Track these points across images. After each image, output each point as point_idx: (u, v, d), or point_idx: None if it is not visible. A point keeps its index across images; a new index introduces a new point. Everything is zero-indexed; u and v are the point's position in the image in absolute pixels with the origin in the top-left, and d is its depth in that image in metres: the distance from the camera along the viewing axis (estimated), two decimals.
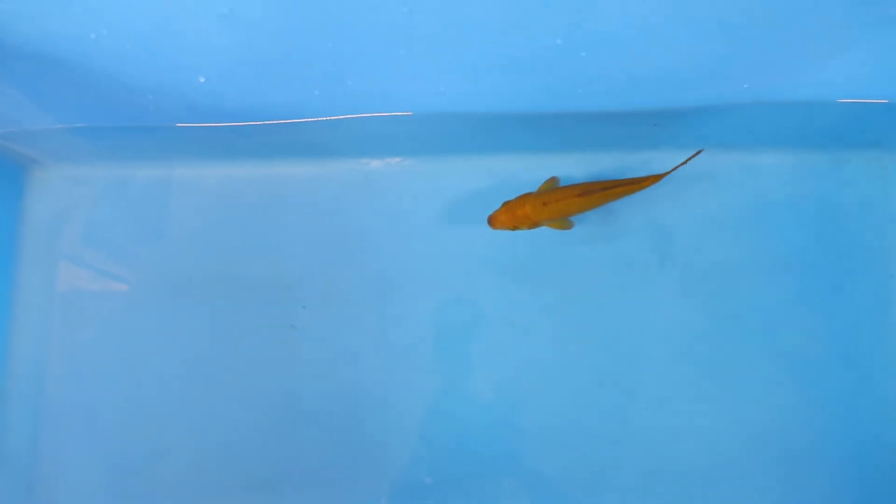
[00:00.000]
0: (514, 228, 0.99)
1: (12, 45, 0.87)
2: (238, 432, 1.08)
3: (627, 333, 1.06)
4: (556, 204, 0.97)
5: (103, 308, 1.10)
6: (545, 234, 1.04)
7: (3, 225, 1.11)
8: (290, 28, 0.86)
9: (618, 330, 1.06)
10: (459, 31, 0.86)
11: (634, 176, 1.00)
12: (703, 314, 1.06)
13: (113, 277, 1.11)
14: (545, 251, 1.08)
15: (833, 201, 1.08)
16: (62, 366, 1.10)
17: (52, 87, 0.96)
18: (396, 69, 0.92)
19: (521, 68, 0.92)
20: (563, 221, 1.01)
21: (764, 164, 1.08)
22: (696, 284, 1.06)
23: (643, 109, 0.99)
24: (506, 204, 0.99)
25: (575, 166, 1.08)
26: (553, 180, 1.04)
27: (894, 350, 1.04)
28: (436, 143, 1.09)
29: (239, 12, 0.83)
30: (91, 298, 1.11)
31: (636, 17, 0.83)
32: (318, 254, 1.10)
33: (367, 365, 1.08)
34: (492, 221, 0.99)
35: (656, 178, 0.99)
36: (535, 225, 0.99)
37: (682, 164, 0.98)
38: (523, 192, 1.00)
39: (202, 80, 0.93)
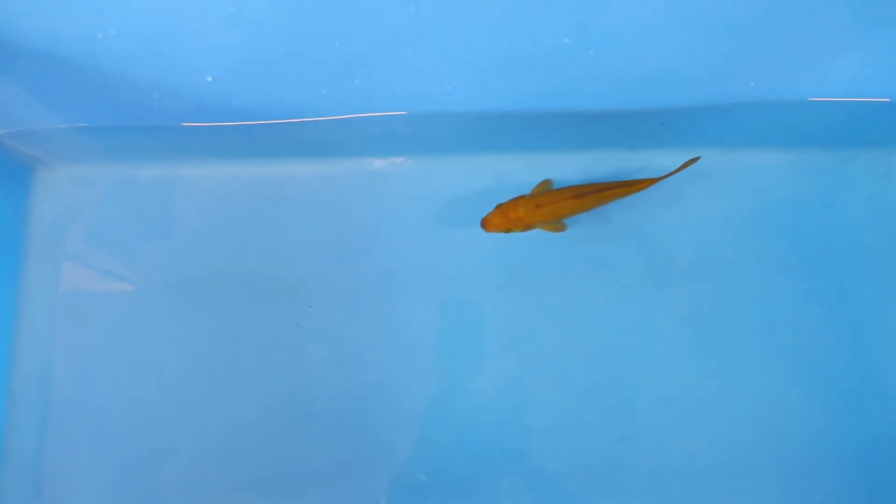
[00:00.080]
0: (508, 231, 0.98)
1: (19, 45, 0.87)
2: (243, 431, 1.07)
3: (632, 332, 1.06)
4: (549, 206, 0.96)
5: (109, 308, 1.10)
6: (551, 233, 1.04)
7: (9, 225, 1.11)
8: (297, 27, 0.86)
9: (623, 329, 1.06)
10: (468, 30, 0.87)
11: (631, 178, 0.99)
12: (707, 313, 1.06)
13: (119, 277, 1.11)
14: (550, 250, 1.08)
15: (835, 200, 1.08)
16: (67, 366, 1.09)
17: (58, 87, 0.96)
18: (405, 68, 0.92)
19: (529, 68, 0.92)
20: (556, 224, 1.01)
21: (766, 163, 1.08)
22: (699, 284, 1.07)
23: (647, 108, 0.99)
24: (499, 206, 0.98)
25: (579, 166, 1.08)
26: (546, 182, 1.03)
27: None
28: (442, 143, 1.09)
29: (246, 12, 0.83)
30: (97, 298, 1.10)
31: (642, 17, 0.84)
32: (324, 253, 1.10)
33: (372, 364, 1.07)
34: (485, 224, 0.98)
35: (651, 181, 0.98)
36: (528, 227, 0.98)
37: (677, 170, 0.98)
38: (526, 193, 1.00)
39: (209, 79, 0.94)
